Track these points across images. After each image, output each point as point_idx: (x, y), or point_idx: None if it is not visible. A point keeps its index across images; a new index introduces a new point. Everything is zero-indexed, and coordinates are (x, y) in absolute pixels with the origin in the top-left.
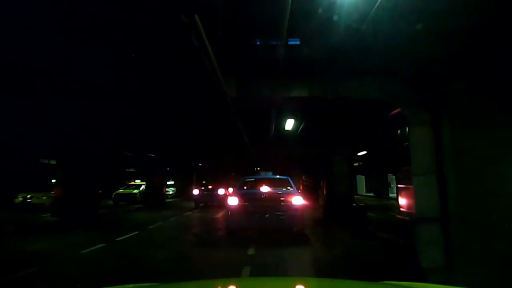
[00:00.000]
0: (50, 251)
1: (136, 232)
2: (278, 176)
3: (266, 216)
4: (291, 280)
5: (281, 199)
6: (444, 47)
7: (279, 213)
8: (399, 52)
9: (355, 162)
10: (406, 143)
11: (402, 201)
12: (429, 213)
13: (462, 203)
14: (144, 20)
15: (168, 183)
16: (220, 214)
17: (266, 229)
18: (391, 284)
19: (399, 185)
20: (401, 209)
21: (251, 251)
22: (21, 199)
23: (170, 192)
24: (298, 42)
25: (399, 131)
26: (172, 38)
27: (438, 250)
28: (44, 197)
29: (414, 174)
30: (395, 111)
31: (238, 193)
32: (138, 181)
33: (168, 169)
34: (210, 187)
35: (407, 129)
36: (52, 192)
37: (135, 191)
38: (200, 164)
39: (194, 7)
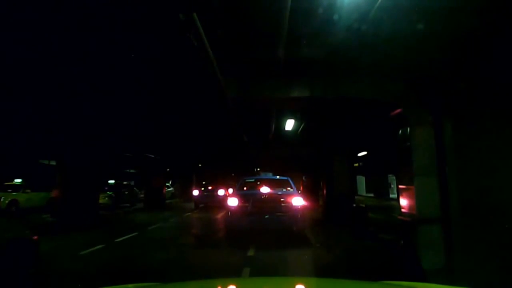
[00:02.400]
0: (49, 253)
1: (136, 233)
2: (278, 176)
3: (266, 217)
4: (291, 280)
5: (281, 200)
6: (445, 47)
7: (279, 214)
8: (399, 52)
9: (356, 163)
10: (407, 144)
11: (403, 201)
12: (430, 213)
13: (464, 203)
14: (142, 18)
15: (167, 184)
16: (220, 215)
17: (266, 230)
18: (391, 284)
19: (400, 186)
20: (402, 209)
21: (250, 252)
22: None
23: (168, 188)
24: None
25: (400, 132)
26: (171, 38)
27: (439, 251)
28: (1, 198)
29: (415, 174)
30: (396, 111)
31: (238, 194)
32: (111, 181)
33: (167, 170)
34: (210, 188)
35: (408, 129)
36: (14, 193)
37: (109, 193)
38: (200, 165)
39: (192, 6)
